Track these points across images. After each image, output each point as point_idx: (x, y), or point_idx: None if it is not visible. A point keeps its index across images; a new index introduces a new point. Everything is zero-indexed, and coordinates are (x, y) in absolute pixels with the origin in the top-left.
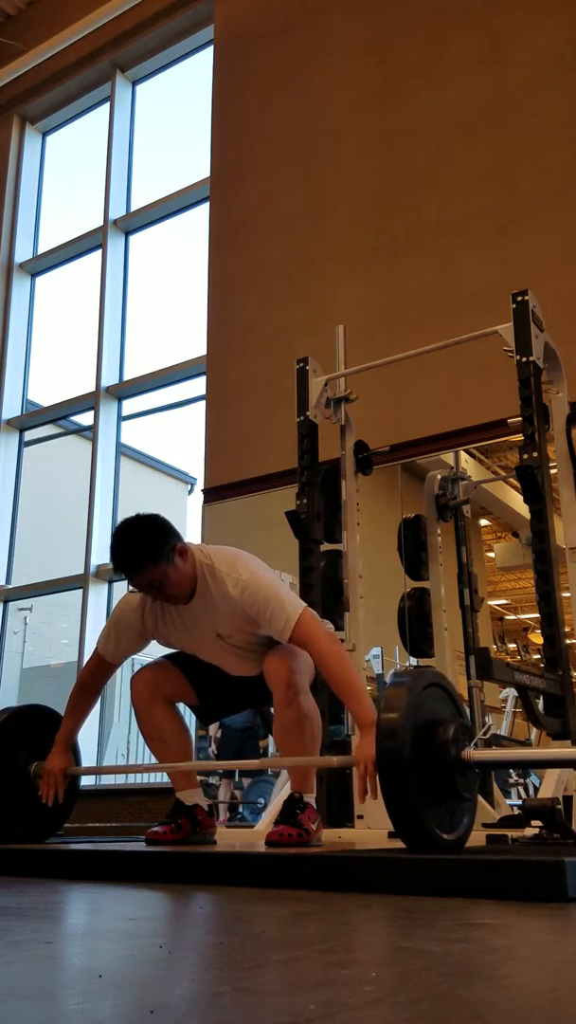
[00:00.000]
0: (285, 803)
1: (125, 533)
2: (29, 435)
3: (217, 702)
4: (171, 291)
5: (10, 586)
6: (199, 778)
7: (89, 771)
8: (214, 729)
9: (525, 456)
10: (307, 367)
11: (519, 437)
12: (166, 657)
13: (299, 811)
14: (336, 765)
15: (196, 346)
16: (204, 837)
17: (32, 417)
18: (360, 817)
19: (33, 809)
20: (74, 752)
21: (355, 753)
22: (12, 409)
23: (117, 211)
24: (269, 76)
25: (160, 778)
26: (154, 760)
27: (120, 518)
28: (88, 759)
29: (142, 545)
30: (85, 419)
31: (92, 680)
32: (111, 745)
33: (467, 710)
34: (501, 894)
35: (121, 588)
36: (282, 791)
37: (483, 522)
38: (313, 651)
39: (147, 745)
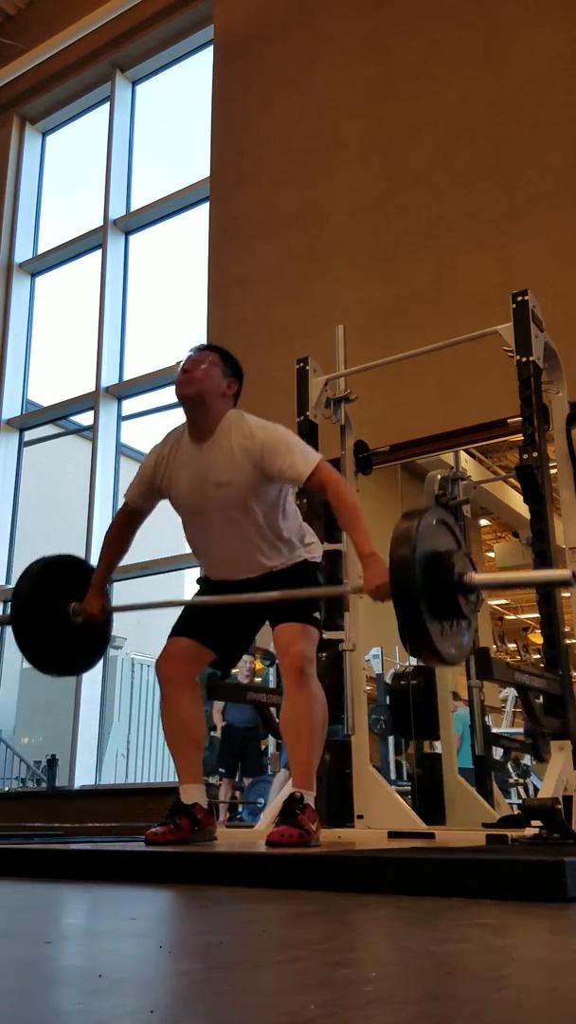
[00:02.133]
0: (285, 803)
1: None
2: (29, 435)
3: (229, 644)
4: (171, 291)
5: (10, 586)
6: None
7: (123, 608)
8: (218, 718)
9: (525, 456)
10: (307, 367)
11: (519, 437)
12: (175, 633)
13: (299, 811)
14: (351, 592)
15: None
16: (204, 836)
17: (32, 417)
18: (360, 817)
19: (72, 645)
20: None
21: (365, 584)
22: (12, 409)
23: (117, 211)
24: (269, 76)
25: (159, 778)
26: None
27: None
28: (88, 758)
29: (225, 351)
30: (85, 419)
31: (119, 530)
32: (111, 745)
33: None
34: (501, 894)
35: (119, 588)
36: (282, 791)
37: (483, 522)
38: (331, 493)
39: (163, 725)
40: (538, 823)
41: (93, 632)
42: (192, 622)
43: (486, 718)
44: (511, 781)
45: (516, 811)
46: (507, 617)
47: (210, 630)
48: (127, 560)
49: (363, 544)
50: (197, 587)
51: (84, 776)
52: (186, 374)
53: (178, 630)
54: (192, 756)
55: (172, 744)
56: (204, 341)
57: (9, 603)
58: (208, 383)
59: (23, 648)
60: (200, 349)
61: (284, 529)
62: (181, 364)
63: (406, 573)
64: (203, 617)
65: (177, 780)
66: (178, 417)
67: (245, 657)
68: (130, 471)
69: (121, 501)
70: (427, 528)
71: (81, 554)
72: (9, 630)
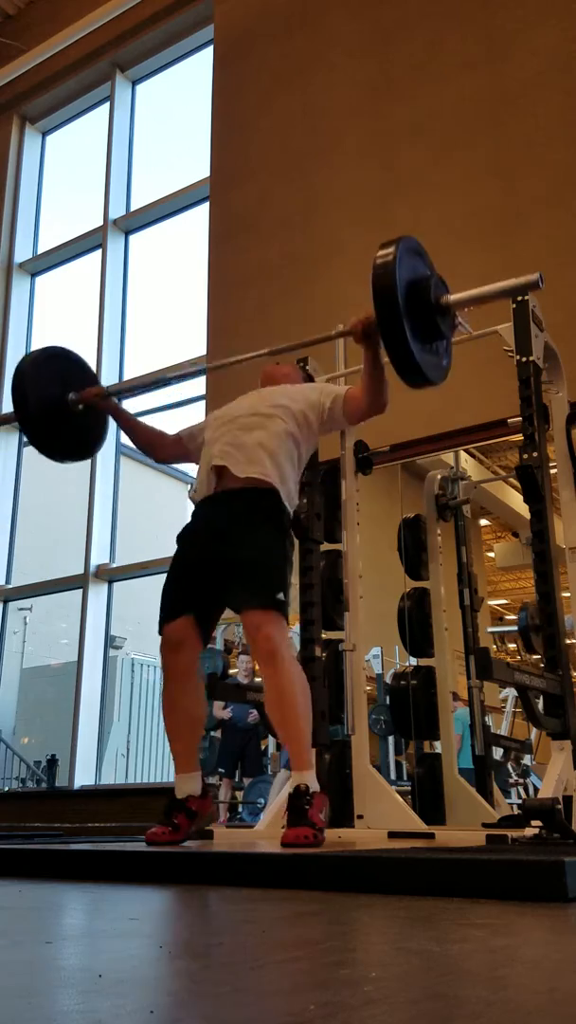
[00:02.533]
0: (291, 800)
1: None
2: None
3: (209, 608)
4: (171, 291)
5: (10, 586)
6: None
7: (122, 386)
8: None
9: (525, 456)
10: (307, 367)
11: (519, 437)
12: (164, 620)
13: (308, 806)
14: (335, 336)
15: (196, 346)
16: (205, 822)
17: None
18: (360, 817)
19: (72, 433)
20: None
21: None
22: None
23: (117, 211)
24: (269, 76)
25: (159, 778)
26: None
27: (120, 518)
28: (88, 758)
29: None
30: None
31: (158, 432)
32: (111, 745)
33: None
34: (501, 894)
35: (119, 588)
36: (282, 791)
37: (483, 522)
38: (354, 393)
39: (163, 711)
40: (538, 823)
41: (92, 422)
42: (173, 600)
43: (486, 718)
44: (511, 781)
45: (516, 811)
46: (507, 617)
47: (189, 600)
48: (127, 560)
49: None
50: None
51: (84, 776)
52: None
53: (165, 614)
54: (189, 742)
55: (170, 729)
56: (210, 347)
57: (11, 392)
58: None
59: (29, 431)
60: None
61: (297, 451)
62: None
63: (390, 299)
64: (180, 590)
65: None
66: (178, 417)
67: (244, 657)
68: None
69: (121, 501)
70: (404, 255)
71: (80, 556)
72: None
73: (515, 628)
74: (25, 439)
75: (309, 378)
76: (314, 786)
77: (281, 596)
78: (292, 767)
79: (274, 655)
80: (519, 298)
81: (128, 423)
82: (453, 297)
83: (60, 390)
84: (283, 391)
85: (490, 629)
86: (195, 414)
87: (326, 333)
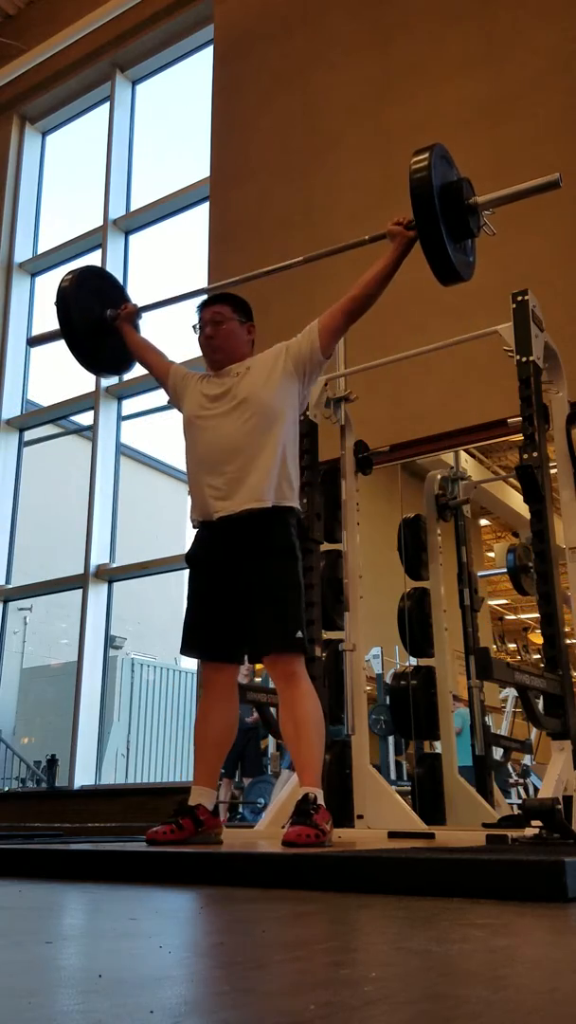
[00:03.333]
0: (299, 804)
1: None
2: (29, 435)
3: (236, 641)
4: (171, 291)
5: (10, 586)
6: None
7: (155, 306)
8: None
9: (525, 456)
10: None
11: (519, 437)
12: (203, 660)
13: (313, 812)
14: (369, 241)
15: (196, 346)
16: (208, 837)
17: (32, 417)
18: (360, 817)
19: (113, 346)
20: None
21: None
22: (12, 409)
23: (117, 211)
24: (269, 76)
25: (159, 778)
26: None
27: (120, 518)
28: (88, 758)
29: (231, 296)
30: (85, 419)
31: (158, 355)
32: (111, 745)
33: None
34: (501, 894)
35: (119, 588)
36: (283, 791)
37: (483, 522)
38: (345, 304)
39: (195, 723)
40: (538, 823)
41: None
42: (207, 645)
43: (486, 718)
44: (511, 781)
45: (516, 811)
46: (507, 617)
47: (222, 646)
48: (127, 560)
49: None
50: (194, 532)
51: (84, 776)
52: (210, 340)
53: (206, 656)
54: (210, 759)
55: (196, 743)
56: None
57: (57, 304)
58: (233, 340)
59: (75, 348)
60: (208, 305)
61: (286, 449)
62: (197, 325)
63: (427, 201)
64: (212, 636)
65: (186, 781)
66: (178, 417)
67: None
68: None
69: (121, 501)
70: (437, 161)
71: (80, 556)
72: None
73: (504, 571)
74: (25, 443)
75: (248, 313)
76: (321, 800)
77: (300, 634)
78: (300, 782)
79: (292, 676)
80: (519, 298)
81: (137, 343)
82: (482, 198)
83: (99, 307)
84: (249, 381)
85: (481, 574)
86: None
87: (360, 238)
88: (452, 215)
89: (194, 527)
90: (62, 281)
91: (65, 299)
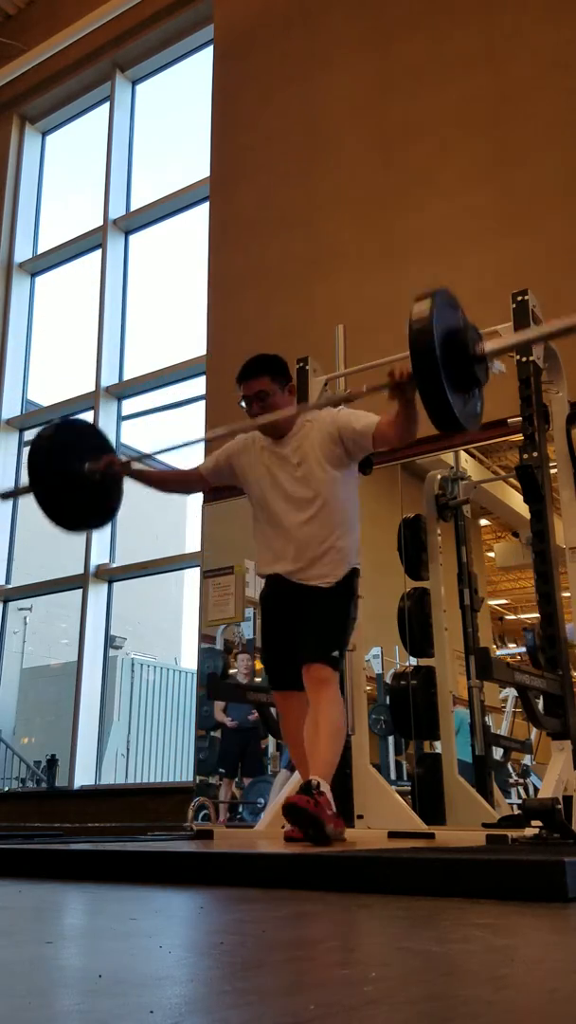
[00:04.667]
0: (303, 785)
1: (259, 355)
2: (29, 435)
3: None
4: (171, 291)
5: (10, 586)
6: (202, 778)
7: (145, 457)
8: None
9: (525, 456)
10: (307, 367)
11: (519, 437)
12: (272, 688)
13: (316, 792)
14: (367, 393)
15: (196, 346)
16: (335, 836)
17: (32, 417)
18: (360, 817)
19: (90, 503)
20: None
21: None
22: (12, 409)
23: (117, 211)
24: (269, 76)
25: (158, 778)
26: None
27: (120, 518)
28: (88, 758)
29: (267, 361)
30: (85, 419)
31: (181, 475)
32: (111, 745)
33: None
34: (501, 894)
35: (119, 588)
36: (283, 791)
37: (483, 522)
38: (393, 429)
39: (285, 741)
40: (538, 823)
41: (108, 489)
42: (276, 676)
43: (486, 718)
44: (511, 781)
45: (516, 811)
46: (507, 617)
47: (288, 675)
48: (126, 560)
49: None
50: (263, 583)
51: (84, 776)
52: (259, 406)
53: (273, 685)
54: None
55: (297, 763)
56: (210, 346)
57: (27, 462)
58: (276, 408)
59: (42, 501)
60: (248, 379)
61: (349, 521)
62: (243, 402)
63: (428, 355)
64: (278, 667)
65: (186, 781)
66: (178, 417)
67: (244, 656)
68: None
69: (121, 500)
70: (440, 309)
71: (80, 556)
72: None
73: (523, 648)
74: (25, 443)
75: (285, 373)
76: (325, 789)
77: (336, 653)
78: (311, 771)
79: (323, 682)
80: (519, 298)
81: (154, 482)
82: (489, 346)
83: (76, 462)
84: (304, 444)
85: (499, 653)
86: (195, 414)
87: (358, 389)
88: (456, 367)
89: (261, 576)
90: (36, 435)
91: (36, 456)
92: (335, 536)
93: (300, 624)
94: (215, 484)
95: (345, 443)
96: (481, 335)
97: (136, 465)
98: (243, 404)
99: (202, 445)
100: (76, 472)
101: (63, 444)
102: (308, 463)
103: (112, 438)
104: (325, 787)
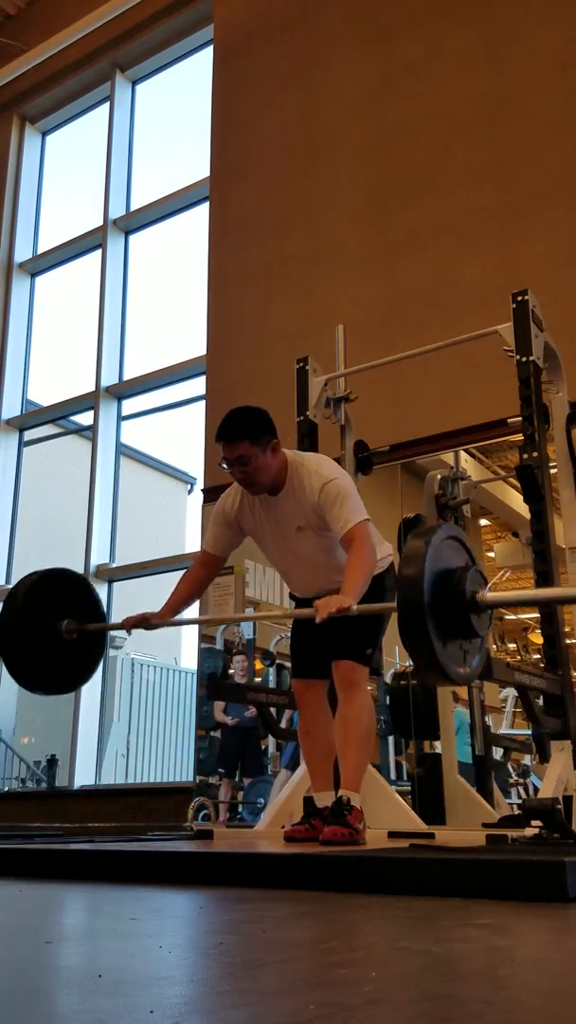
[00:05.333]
0: (333, 805)
1: (235, 411)
2: (29, 435)
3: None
4: (171, 291)
5: (10, 586)
6: (202, 778)
7: (175, 622)
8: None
9: (525, 456)
10: (307, 367)
11: (519, 437)
12: (294, 676)
13: (347, 813)
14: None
15: (196, 346)
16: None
17: (32, 417)
18: None
19: (62, 664)
20: (99, 613)
21: (319, 602)
22: (12, 409)
23: (117, 211)
24: (269, 76)
25: (159, 778)
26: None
27: (120, 518)
28: (88, 758)
29: (245, 423)
30: (85, 419)
31: (197, 571)
32: (111, 745)
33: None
34: (501, 894)
35: (119, 588)
36: (282, 791)
37: (483, 522)
38: (351, 549)
39: (299, 739)
40: (538, 823)
41: (83, 652)
42: (299, 663)
43: (486, 718)
44: (511, 781)
45: (516, 811)
46: (507, 617)
47: (311, 664)
48: (126, 560)
49: (349, 585)
50: (291, 600)
51: (84, 776)
52: (243, 481)
53: (295, 672)
54: (323, 768)
55: (305, 758)
56: (210, 347)
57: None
58: (265, 474)
59: (10, 666)
60: (228, 444)
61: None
62: (223, 463)
63: (414, 590)
64: (303, 655)
65: (186, 781)
66: (178, 417)
67: (239, 657)
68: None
69: (121, 501)
70: (438, 545)
71: (81, 554)
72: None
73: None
74: (25, 443)
75: (267, 430)
76: (356, 803)
77: (370, 651)
78: (341, 784)
79: (352, 685)
80: (519, 298)
81: (182, 605)
82: (491, 596)
83: (52, 618)
84: (299, 508)
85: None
86: (195, 414)
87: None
88: (450, 615)
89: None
90: (13, 588)
91: (9, 610)
92: (338, 564)
93: (336, 627)
94: (229, 553)
95: (322, 516)
96: (485, 580)
97: (152, 617)
98: (224, 465)
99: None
100: (52, 629)
101: (43, 597)
102: (304, 534)
103: (112, 438)
104: (356, 799)
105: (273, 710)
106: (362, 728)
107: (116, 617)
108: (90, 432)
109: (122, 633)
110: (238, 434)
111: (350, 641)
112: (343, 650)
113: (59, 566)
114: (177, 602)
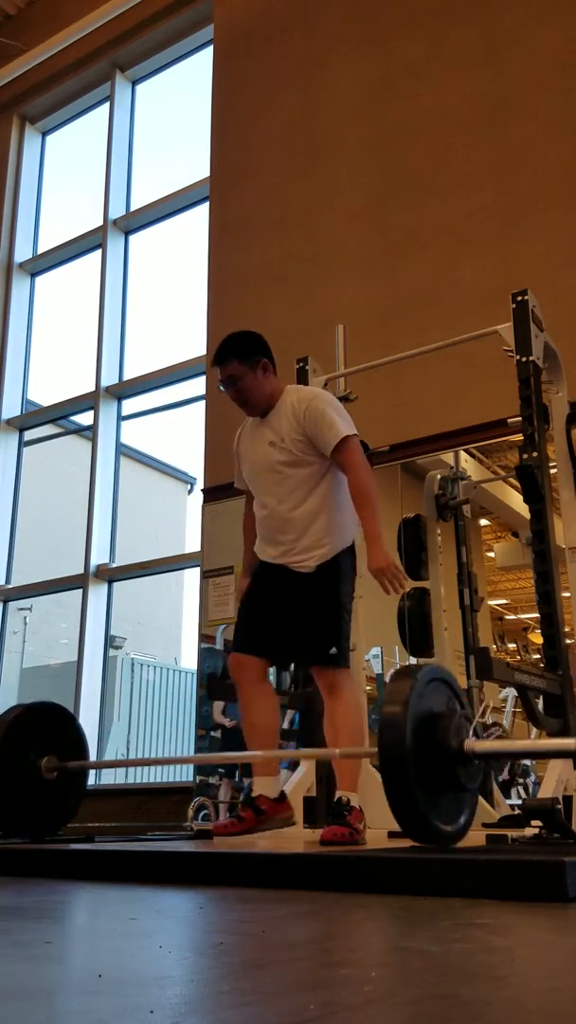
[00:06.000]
0: (333, 806)
1: (229, 335)
2: (29, 435)
3: (278, 650)
4: (171, 291)
5: (10, 586)
6: (202, 778)
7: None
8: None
9: (525, 456)
10: (307, 367)
11: (519, 437)
12: (235, 649)
13: (347, 813)
14: (339, 756)
15: (196, 346)
16: (275, 824)
17: (32, 417)
18: None
19: (42, 805)
20: (82, 750)
21: (370, 563)
22: (12, 409)
23: (117, 211)
24: (269, 76)
25: (158, 778)
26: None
27: (120, 518)
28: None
29: (234, 343)
30: (85, 419)
31: (249, 515)
32: (111, 744)
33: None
34: (501, 894)
35: (119, 588)
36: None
37: (483, 522)
38: (348, 472)
39: (240, 723)
40: (538, 823)
41: (63, 793)
42: (242, 636)
43: (486, 718)
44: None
45: (516, 811)
46: (507, 617)
47: (255, 639)
48: (127, 560)
49: (369, 527)
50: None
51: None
52: (236, 400)
53: (237, 646)
54: (264, 748)
55: (246, 736)
56: (210, 347)
57: None
58: (256, 393)
59: None
60: (219, 364)
61: (331, 499)
62: (220, 386)
63: (395, 740)
64: (249, 628)
65: (186, 780)
66: (178, 417)
67: None
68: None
69: (121, 501)
70: (421, 689)
71: (80, 556)
72: (9, 627)
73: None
74: (25, 443)
75: (258, 351)
76: (355, 802)
77: (334, 650)
78: (337, 785)
79: (333, 688)
80: (519, 298)
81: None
82: (478, 745)
83: (34, 753)
84: (282, 421)
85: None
86: (195, 414)
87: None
88: (434, 765)
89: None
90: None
91: None
92: (316, 510)
93: (294, 620)
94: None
95: (307, 435)
96: (473, 726)
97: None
98: (221, 388)
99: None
100: (30, 765)
101: (26, 730)
102: (283, 448)
103: (112, 438)
104: (354, 799)
105: None
106: (352, 727)
107: (116, 617)
108: (90, 432)
109: (123, 633)
110: (227, 354)
111: (316, 645)
112: (313, 656)
113: (42, 700)
114: (250, 548)
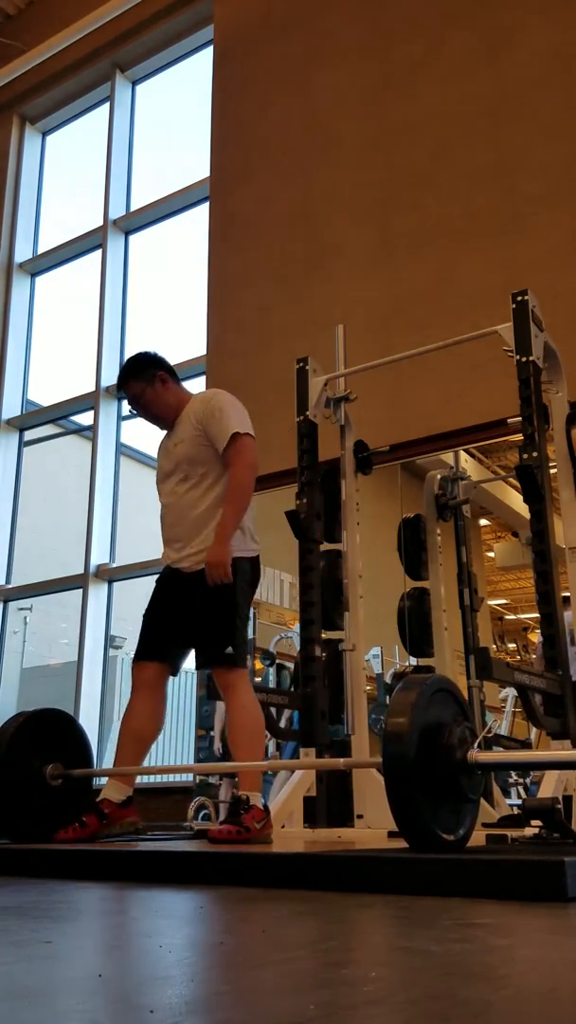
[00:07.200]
0: (231, 804)
1: (125, 361)
2: (29, 435)
3: (175, 653)
4: (171, 291)
5: (10, 586)
6: (202, 778)
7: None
8: (219, 727)
9: (525, 456)
10: (307, 367)
11: (519, 437)
12: (136, 659)
13: (244, 811)
14: (343, 767)
15: (196, 346)
16: (121, 828)
17: (32, 417)
18: (360, 817)
19: (47, 810)
20: (86, 756)
21: (207, 555)
22: (12, 409)
23: (117, 211)
24: (269, 76)
25: (158, 778)
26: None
27: (120, 518)
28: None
29: (130, 365)
30: (85, 419)
31: None
32: (111, 744)
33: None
34: (501, 894)
35: (119, 588)
36: (282, 792)
37: (483, 522)
38: (232, 464)
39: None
40: (538, 823)
41: (68, 801)
42: (144, 643)
43: (487, 717)
44: (511, 781)
45: (516, 811)
46: (507, 617)
47: (153, 645)
48: (127, 560)
49: (224, 523)
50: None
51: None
52: (146, 418)
53: (136, 652)
54: (126, 754)
55: (119, 739)
56: (210, 347)
57: None
58: (159, 405)
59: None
60: (122, 387)
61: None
62: (129, 410)
63: (400, 752)
64: (149, 636)
65: (186, 781)
66: None
67: None
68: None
69: (121, 501)
70: (426, 700)
71: (80, 556)
72: (9, 627)
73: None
74: (25, 443)
75: (154, 366)
76: (256, 801)
77: (229, 650)
78: (239, 786)
79: (228, 687)
80: (519, 298)
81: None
82: (481, 756)
83: (39, 760)
84: (185, 425)
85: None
86: None
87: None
88: (436, 775)
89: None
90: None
91: None
92: (210, 513)
93: (189, 622)
94: None
95: (206, 433)
96: (475, 738)
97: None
98: (131, 412)
99: None
100: (35, 772)
101: (31, 737)
102: (184, 443)
103: (112, 438)
104: (255, 798)
105: (273, 710)
106: (248, 726)
107: (116, 617)
108: (90, 432)
109: (123, 633)
110: (125, 376)
111: (211, 646)
112: (205, 657)
113: (46, 707)
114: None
